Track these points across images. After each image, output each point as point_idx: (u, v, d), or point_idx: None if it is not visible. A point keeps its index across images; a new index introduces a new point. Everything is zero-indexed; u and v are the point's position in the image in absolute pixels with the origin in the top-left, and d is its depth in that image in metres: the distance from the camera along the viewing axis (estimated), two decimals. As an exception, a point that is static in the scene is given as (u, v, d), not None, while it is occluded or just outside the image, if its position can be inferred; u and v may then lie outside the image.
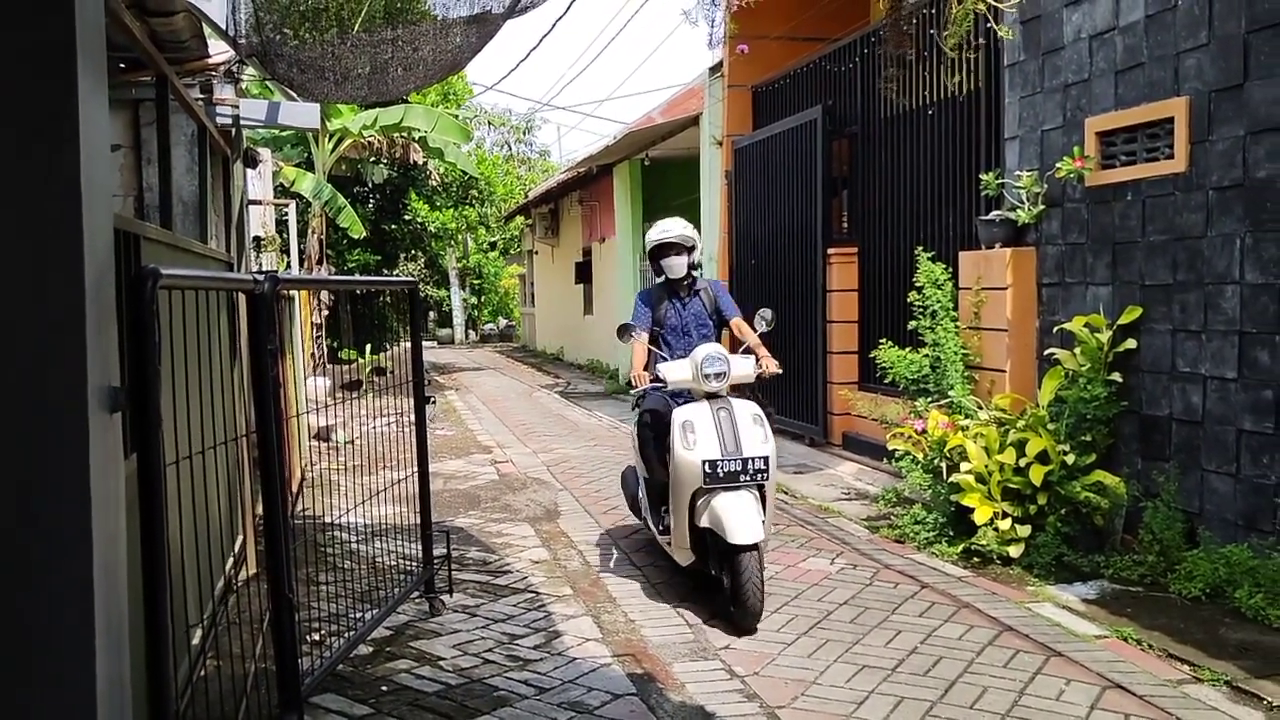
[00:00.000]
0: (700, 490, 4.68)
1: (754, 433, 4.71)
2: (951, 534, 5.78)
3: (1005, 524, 5.46)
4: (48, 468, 1.85)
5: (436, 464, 5.03)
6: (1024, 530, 5.44)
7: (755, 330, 5.31)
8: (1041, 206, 6.17)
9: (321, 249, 15.43)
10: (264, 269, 8.72)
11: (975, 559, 5.52)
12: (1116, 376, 5.51)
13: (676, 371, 5.01)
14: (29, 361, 1.85)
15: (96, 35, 2.02)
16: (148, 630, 2.28)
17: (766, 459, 4.66)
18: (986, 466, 5.57)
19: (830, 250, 8.96)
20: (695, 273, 5.62)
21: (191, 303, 3.31)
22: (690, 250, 5.50)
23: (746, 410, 4.81)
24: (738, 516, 4.50)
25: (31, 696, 1.88)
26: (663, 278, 5.57)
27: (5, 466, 1.84)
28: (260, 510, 5.73)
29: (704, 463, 4.60)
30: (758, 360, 5.16)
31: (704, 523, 4.64)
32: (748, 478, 4.61)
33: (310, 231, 15.12)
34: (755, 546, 4.50)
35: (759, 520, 4.58)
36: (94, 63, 1.98)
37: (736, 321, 5.52)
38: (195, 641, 3.54)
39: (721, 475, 4.59)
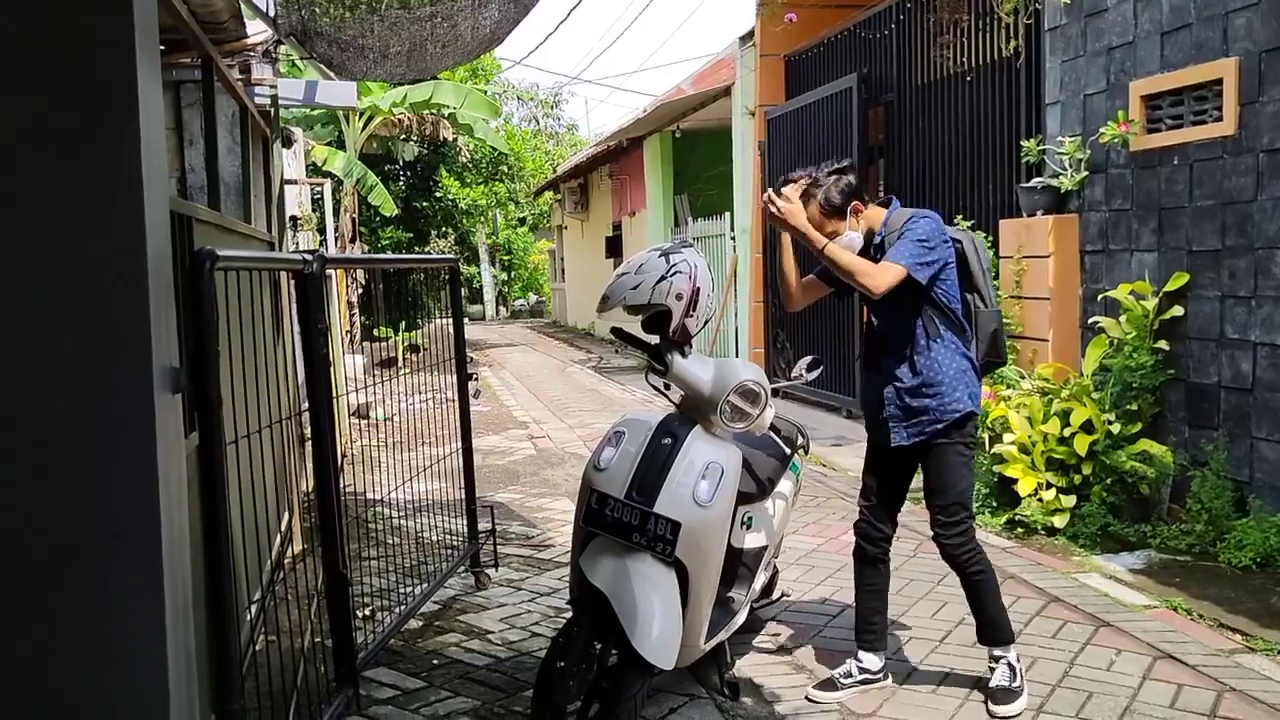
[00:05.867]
0: (584, 529, 3.27)
1: (684, 485, 3.12)
2: (995, 505, 5.75)
3: (1049, 495, 5.42)
4: (117, 448, 1.88)
5: (474, 439, 5.06)
6: (1068, 501, 5.40)
7: (794, 378, 3.97)
8: (1084, 173, 6.08)
9: (354, 227, 15.49)
10: (301, 248, 8.78)
11: (1019, 530, 5.49)
12: (1163, 344, 5.43)
13: (692, 370, 3.32)
14: (96, 344, 1.87)
15: (151, 19, 2.03)
16: (211, 605, 2.32)
17: (677, 526, 3.05)
18: (1030, 437, 5.52)
19: (866, 220, 8.85)
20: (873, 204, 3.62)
21: (234, 282, 3.34)
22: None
23: (705, 455, 3.20)
24: (641, 608, 2.95)
25: (105, 672, 1.92)
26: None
27: (76, 447, 1.87)
28: (306, 488, 5.83)
29: (592, 493, 3.23)
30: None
31: (598, 581, 3.08)
32: (643, 539, 3.07)
33: (343, 210, 15.18)
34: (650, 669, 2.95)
35: (674, 624, 3.01)
36: (150, 47, 1.99)
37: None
38: (249, 617, 3.60)
39: (608, 519, 3.14)
